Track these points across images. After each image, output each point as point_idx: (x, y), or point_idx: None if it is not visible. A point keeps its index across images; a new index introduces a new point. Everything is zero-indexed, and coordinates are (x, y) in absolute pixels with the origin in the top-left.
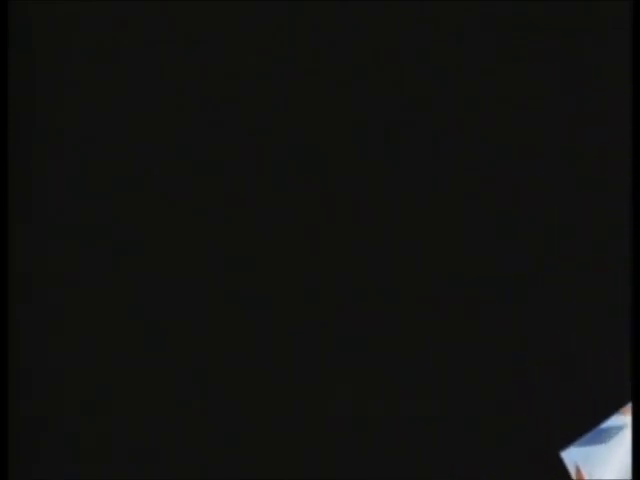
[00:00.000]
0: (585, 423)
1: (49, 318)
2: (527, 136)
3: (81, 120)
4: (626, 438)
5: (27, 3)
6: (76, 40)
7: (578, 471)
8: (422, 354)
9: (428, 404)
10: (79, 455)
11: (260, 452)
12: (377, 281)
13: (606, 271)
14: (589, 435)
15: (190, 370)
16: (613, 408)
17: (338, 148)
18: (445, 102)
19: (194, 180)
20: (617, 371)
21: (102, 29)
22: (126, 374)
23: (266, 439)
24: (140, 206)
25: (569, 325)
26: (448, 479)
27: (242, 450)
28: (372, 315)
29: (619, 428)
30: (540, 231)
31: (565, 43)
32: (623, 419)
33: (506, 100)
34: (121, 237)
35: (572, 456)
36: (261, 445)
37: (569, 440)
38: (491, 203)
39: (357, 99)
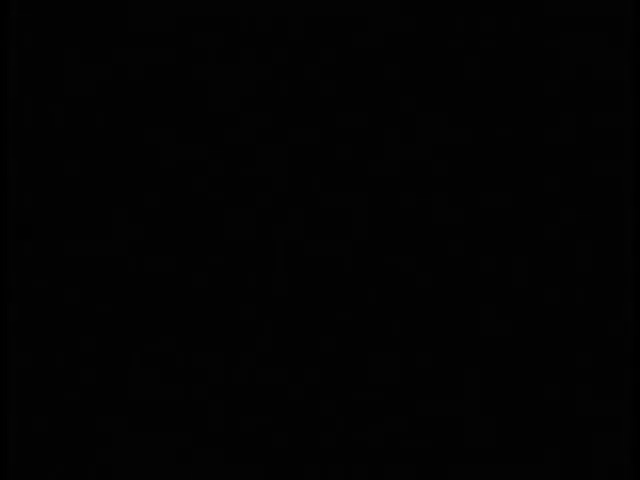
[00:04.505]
0: (585, 423)
1: (49, 318)
2: (527, 136)
3: (80, 119)
4: None
5: (27, 3)
6: (76, 40)
7: None
8: (422, 354)
9: (428, 404)
10: (79, 455)
11: (261, 452)
12: (377, 281)
13: (606, 271)
14: None
15: (190, 370)
16: (613, 408)
17: (338, 147)
18: (445, 102)
19: (194, 180)
20: (617, 371)
21: (102, 28)
22: (126, 374)
23: (266, 440)
24: (140, 205)
25: (569, 324)
26: (448, 479)
27: (242, 449)
28: (372, 315)
29: None
30: (540, 231)
31: (565, 43)
32: None
33: (506, 99)
34: (121, 237)
35: None
36: (261, 446)
37: (569, 440)
38: (491, 203)
39: (357, 99)
